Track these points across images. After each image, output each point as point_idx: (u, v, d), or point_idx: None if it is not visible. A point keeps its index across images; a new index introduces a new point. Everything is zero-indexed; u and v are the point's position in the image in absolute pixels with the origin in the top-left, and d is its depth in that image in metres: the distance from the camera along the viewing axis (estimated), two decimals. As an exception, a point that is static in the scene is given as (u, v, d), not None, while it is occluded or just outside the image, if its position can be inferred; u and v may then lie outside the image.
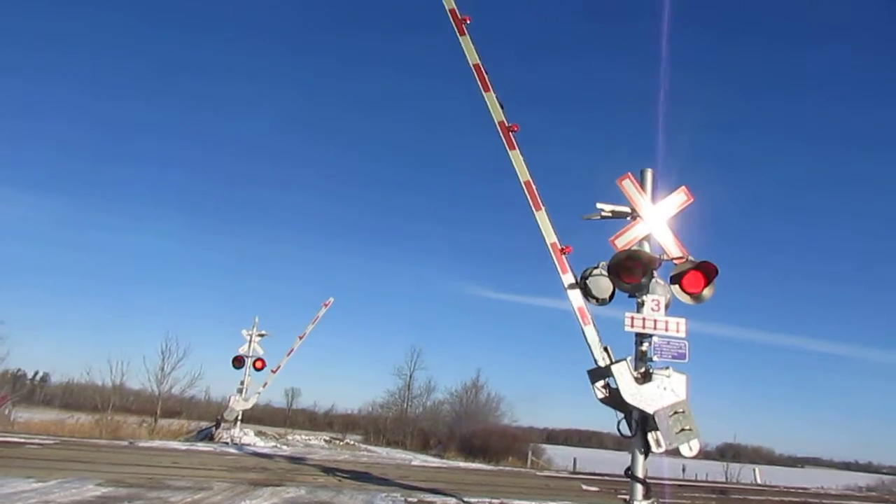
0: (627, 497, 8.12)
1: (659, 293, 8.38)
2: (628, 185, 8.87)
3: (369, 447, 40.60)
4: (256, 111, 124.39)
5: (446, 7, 10.44)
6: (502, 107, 9.98)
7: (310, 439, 37.98)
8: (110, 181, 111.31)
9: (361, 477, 14.20)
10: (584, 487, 16.13)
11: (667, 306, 8.42)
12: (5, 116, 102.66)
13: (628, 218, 8.89)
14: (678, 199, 8.85)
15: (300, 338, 27.23)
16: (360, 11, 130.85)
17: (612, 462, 31.56)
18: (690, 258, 8.52)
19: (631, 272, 8.29)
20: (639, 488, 7.98)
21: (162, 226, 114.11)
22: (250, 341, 25.71)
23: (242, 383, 25.56)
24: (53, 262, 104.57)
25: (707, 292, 8.41)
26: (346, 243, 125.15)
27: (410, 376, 62.05)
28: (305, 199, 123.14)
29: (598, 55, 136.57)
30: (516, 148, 9.75)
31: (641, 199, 8.82)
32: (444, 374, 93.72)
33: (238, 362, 25.57)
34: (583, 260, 8.98)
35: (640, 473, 8.02)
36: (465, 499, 11.09)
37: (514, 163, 9.68)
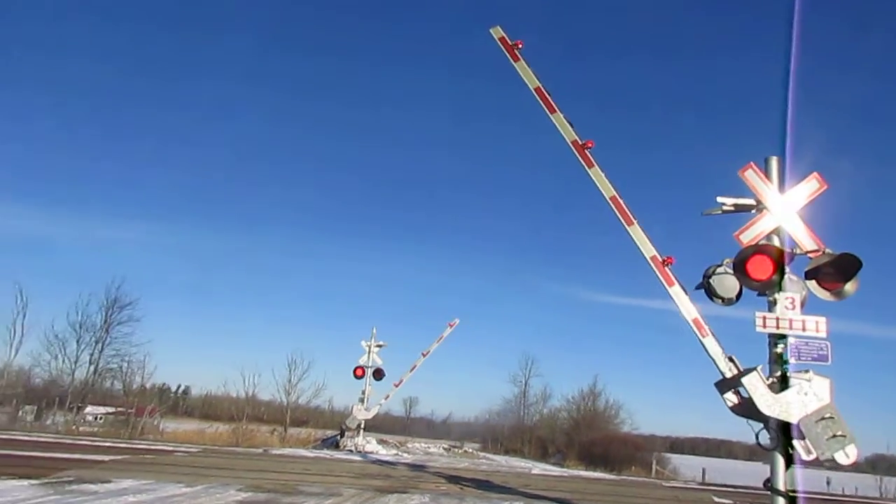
0: (767, 510, 7.59)
1: (793, 290, 7.80)
2: (752, 176, 8.34)
3: (488, 455, 40.68)
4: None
5: (495, 36, 10.38)
6: (572, 125, 9.77)
7: (429, 447, 38.63)
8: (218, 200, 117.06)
9: (483, 485, 14.21)
10: (717, 500, 15.27)
11: (802, 304, 7.82)
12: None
13: (753, 211, 8.35)
14: (809, 188, 8.21)
15: (424, 355, 27.95)
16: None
17: (743, 473, 29.72)
18: (827, 251, 7.87)
19: (760, 268, 7.77)
20: (781, 502, 7.44)
21: (284, 239, 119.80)
22: (369, 352, 26.54)
23: (363, 393, 26.42)
24: (186, 282, 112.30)
25: (849, 287, 7.72)
26: (456, 251, 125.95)
27: (525, 383, 61.67)
28: (414, 212, 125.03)
29: (714, 45, 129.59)
30: (595, 165, 9.49)
31: (767, 190, 8.27)
32: (560, 381, 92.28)
33: (359, 373, 26.47)
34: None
35: (781, 486, 7.47)
36: (590, 508, 10.83)
37: (595, 181, 9.43)
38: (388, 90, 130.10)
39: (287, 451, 23.13)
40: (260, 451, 21.90)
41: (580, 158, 9.55)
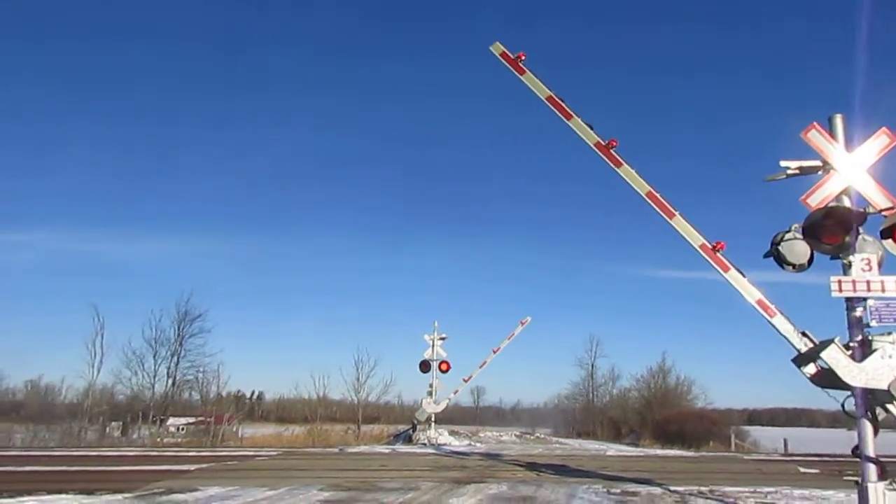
0: (856, 479, 7.32)
1: (869, 251, 7.48)
2: (815, 136, 8.00)
3: (560, 440, 40.54)
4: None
5: (496, 53, 10.33)
6: (592, 127, 9.58)
7: (501, 435, 38.80)
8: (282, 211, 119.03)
9: (559, 470, 14.18)
10: (802, 470, 14.80)
11: (880, 264, 7.49)
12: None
13: (819, 172, 8.03)
14: (879, 143, 7.82)
15: (494, 351, 28.30)
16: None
17: (827, 441, 28.71)
18: (903, 207, 7.51)
19: (831, 231, 7.47)
20: (871, 469, 7.16)
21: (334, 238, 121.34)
22: (433, 345, 26.81)
23: (431, 386, 26.73)
24: (247, 289, 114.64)
25: (931, 243, 7.37)
26: (514, 238, 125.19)
27: (592, 365, 61.22)
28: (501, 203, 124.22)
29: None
30: (623, 163, 9.34)
31: (833, 149, 7.92)
32: (626, 361, 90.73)
33: (424, 367, 26.79)
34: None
35: (871, 452, 7.20)
36: (671, 487, 10.66)
37: (627, 179, 9.29)
38: (431, 84, 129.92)
39: (362, 448, 23.60)
40: (336, 450, 22.40)
41: (607, 160, 9.42)
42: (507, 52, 10.30)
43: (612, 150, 9.40)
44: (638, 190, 9.20)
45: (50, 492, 9.43)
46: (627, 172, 9.31)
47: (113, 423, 40.14)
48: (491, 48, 10.42)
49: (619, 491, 10.35)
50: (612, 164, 9.39)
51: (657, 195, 9.08)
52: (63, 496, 9.10)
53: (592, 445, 31.73)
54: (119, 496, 9.26)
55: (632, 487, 10.79)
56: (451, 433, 30.57)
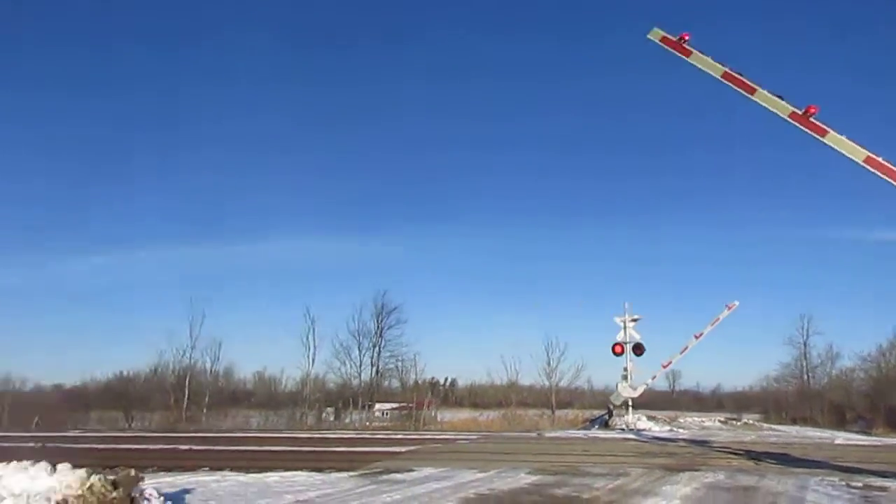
0: None
1: None
2: None
3: (773, 426, 37.37)
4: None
5: (656, 39, 9.57)
6: (781, 97, 8.49)
7: (703, 421, 36.68)
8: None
9: (780, 459, 13.02)
10: None
11: None
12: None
13: None
14: None
15: (696, 337, 27.00)
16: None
17: None
18: None
19: None
20: None
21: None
22: (625, 327, 25.94)
23: (626, 370, 25.90)
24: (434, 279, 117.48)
25: None
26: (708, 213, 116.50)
27: (805, 344, 55.32)
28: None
29: None
30: (829, 130, 8.23)
31: None
32: (845, 338, 79.82)
33: (618, 349, 26.01)
34: None
35: None
36: (932, 483, 9.24)
37: (836, 147, 8.19)
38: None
39: (559, 433, 23.57)
40: (534, 434, 22.58)
41: (808, 130, 8.38)
42: (667, 36, 9.61)
43: (811, 119, 8.39)
44: (853, 157, 8.16)
45: (287, 469, 10.53)
46: (836, 140, 8.29)
47: (328, 408, 44.03)
48: (649, 35, 9.84)
49: (860, 485, 9.19)
50: (816, 134, 8.41)
51: (879, 159, 7.95)
52: (299, 473, 10.11)
53: (813, 433, 28.77)
54: (345, 474, 10.08)
55: (877, 482, 9.53)
56: (650, 418, 29.43)
